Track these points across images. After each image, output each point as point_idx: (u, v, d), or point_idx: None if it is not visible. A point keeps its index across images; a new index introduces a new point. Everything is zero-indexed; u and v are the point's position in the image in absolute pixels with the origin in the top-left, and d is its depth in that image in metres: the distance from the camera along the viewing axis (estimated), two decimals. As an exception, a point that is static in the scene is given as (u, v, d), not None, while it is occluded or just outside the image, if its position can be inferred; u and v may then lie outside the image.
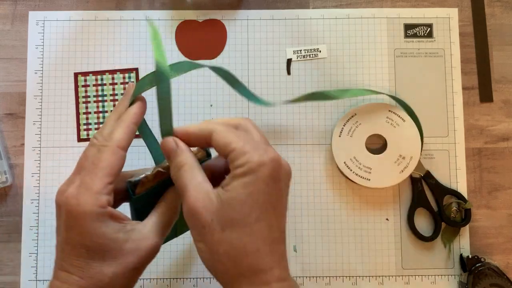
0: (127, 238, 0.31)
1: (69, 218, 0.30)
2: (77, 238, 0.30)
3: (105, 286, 0.30)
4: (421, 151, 0.49)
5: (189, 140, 0.32)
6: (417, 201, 0.50)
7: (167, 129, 0.33)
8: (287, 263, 0.31)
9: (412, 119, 0.49)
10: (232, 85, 0.43)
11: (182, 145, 0.32)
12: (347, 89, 0.51)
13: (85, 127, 0.51)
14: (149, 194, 0.34)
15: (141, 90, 0.35)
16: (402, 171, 0.49)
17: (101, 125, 0.51)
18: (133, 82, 0.34)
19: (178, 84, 0.51)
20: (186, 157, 0.32)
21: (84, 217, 0.30)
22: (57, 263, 0.31)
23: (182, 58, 0.52)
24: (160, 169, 0.34)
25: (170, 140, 0.32)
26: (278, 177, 0.30)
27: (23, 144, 0.51)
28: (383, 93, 0.50)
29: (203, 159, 0.35)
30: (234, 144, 0.30)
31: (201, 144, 0.33)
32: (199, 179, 0.31)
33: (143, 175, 0.34)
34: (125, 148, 0.32)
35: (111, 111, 0.51)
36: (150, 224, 0.32)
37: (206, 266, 0.31)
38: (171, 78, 0.34)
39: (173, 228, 0.35)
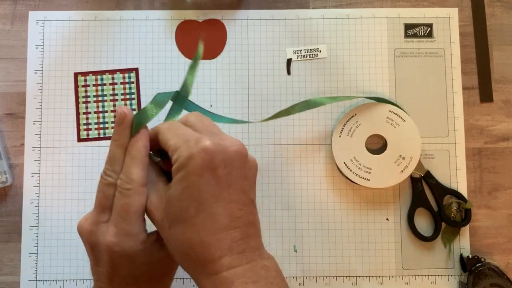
0: (163, 253, 0.32)
1: (114, 259, 0.31)
2: (125, 271, 0.32)
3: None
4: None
5: (150, 138, 0.33)
6: (417, 201, 0.50)
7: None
8: (246, 246, 0.30)
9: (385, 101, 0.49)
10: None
11: (144, 131, 0.33)
12: (335, 97, 0.50)
13: (85, 127, 0.51)
14: None
15: (145, 120, 0.34)
16: (402, 171, 0.49)
17: (101, 125, 0.51)
18: (121, 105, 0.34)
19: (178, 85, 0.51)
20: (139, 151, 0.32)
21: (131, 257, 0.31)
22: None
23: (182, 58, 0.52)
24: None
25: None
26: (212, 166, 0.29)
27: (23, 144, 0.50)
28: (363, 97, 0.50)
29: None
30: (170, 142, 0.31)
31: (154, 146, 0.33)
32: (151, 177, 0.32)
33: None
34: (145, 184, 0.32)
35: (111, 111, 0.51)
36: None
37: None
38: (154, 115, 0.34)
39: None
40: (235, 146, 0.30)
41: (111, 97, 0.51)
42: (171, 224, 0.30)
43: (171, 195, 0.30)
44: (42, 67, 0.51)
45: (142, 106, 0.51)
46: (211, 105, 0.51)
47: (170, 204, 0.30)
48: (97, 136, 0.51)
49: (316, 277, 0.49)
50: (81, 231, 0.33)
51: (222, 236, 0.30)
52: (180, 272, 0.49)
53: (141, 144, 0.32)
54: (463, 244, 0.50)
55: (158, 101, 0.35)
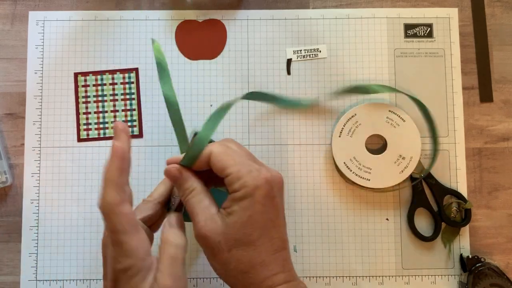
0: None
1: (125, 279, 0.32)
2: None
3: None
4: (437, 147, 0.49)
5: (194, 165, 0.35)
6: (417, 201, 0.50)
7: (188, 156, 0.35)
8: (291, 265, 0.35)
9: (427, 118, 0.49)
10: (269, 101, 0.48)
11: (185, 172, 0.35)
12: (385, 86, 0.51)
13: (85, 127, 0.51)
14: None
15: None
16: (402, 171, 0.49)
17: (101, 125, 0.51)
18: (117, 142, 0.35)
19: (178, 85, 0.51)
20: (191, 184, 0.35)
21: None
22: None
23: (182, 58, 0.52)
24: None
25: (172, 169, 0.35)
26: (272, 195, 0.33)
27: (23, 144, 0.50)
28: (408, 95, 0.50)
29: None
30: (230, 169, 0.33)
31: (202, 167, 0.35)
32: (205, 204, 0.34)
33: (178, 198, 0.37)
34: (161, 203, 0.37)
35: (111, 111, 0.51)
36: (158, 275, 0.33)
37: (221, 279, 0.35)
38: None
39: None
40: (279, 175, 0.35)
41: (111, 97, 0.51)
42: (232, 247, 0.33)
43: (234, 221, 0.33)
44: (42, 67, 0.51)
45: (142, 106, 0.51)
46: (211, 105, 0.51)
47: (233, 229, 0.33)
48: (97, 136, 0.51)
49: (316, 277, 0.49)
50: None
51: (277, 256, 0.34)
52: (180, 272, 0.49)
53: (114, 167, 0.33)
54: (463, 244, 0.50)
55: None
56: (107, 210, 0.32)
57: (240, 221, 0.33)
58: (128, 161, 0.33)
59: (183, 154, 0.36)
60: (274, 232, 0.34)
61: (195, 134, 0.37)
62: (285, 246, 0.35)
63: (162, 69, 0.38)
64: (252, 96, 0.46)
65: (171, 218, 0.36)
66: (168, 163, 0.36)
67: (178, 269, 0.33)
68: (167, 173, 0.35)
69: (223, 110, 0.38)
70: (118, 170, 0.32)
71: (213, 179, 0.37)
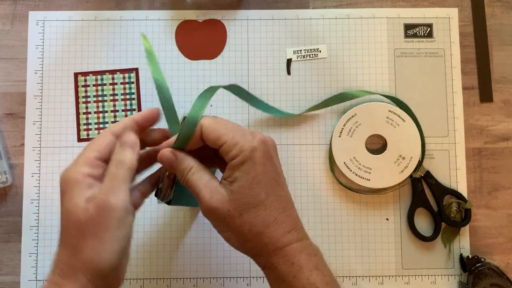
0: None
1: (60, 187, 0.33)
2: (62, 208, 0.33)
3: (75, 254, 0.32)
4: (424, 151, 0.49)
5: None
6: (417, 201, 0.50)
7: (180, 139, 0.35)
8: (302, 224, 0.36)
9: (412, 118, 0.49)
10: (247, 100, 0.48)
11: (179, 154, 0.35)
12: (342, 92, 0.51)
13: (85, 127, 0.51)
14: (176, 192, 0.38)
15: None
16: (402, 171, 0.49)
17: (101, 125, 0.51)
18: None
19: (178, 84, 0.51)
20: (189, 162, 0.35)
21: (67, 182, 0.33)
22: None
23: (182, 58, 0.52)
24: (166, 173, 0.38)
25: (166, 152, 0.35)
26: (270, 155, 0.34)
27: (23, 144, 0.51)
28: (381, 94, 0.50)
29: None
30: (224, 137, 0.33)
31: (198, 143, 0.35)
32: (206, 178, 0.34)
33: (160, 185, 0.38)
34: (117, 133, 0.35)
35: (111, 111, 0.51)
36: (100, 186, 0.33)
37: (236, 248, 0.35)
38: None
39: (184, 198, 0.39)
40: (271, 138, 0.36)
41: (111, 97, 0.51)
42: (243, 211, 0.33)
43: (239, 186, 0.33)
44: (42, 67, 0.51)
45: (142, 106, 0.51)
46: (211, 105, 0.51)
47: (240, 194, 0.33)
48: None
49: (316, 277, 0.49)
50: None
51: (288, 214, 0.35)
52: (180, 272, 0.49)
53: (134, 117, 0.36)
54: (463, 244, 0.50)
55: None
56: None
57: (246, 185, 0.33)
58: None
59: (174, 137, 0.35)
60: (280, 190, 0.35)
61: (185, 118, 0.37)
62: (292, 204, 0.36)
63: (149, 54, 0.38)
64: (234, 89, 0.46)
65: (125, 137, 0.35)
66: (161, 148, 0.35)
67: (117, 184, 0.32)
68: (161, 158, 0.35)
69: (210, 91, 0.38)
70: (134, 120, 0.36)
71: (204, 160, 0.36)
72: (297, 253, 0.34)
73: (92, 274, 0.31)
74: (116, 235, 0.32)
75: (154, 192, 0.38)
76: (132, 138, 0.35)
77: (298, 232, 0.35)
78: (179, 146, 0.35)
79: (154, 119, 0.37)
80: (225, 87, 0.42)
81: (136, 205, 0.36)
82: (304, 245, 0.35)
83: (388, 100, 0.51)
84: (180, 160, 0.35)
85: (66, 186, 0.33)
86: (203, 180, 0.34)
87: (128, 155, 0.34)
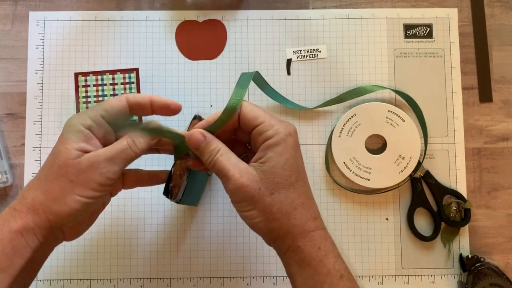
0: (79, 156, 0.34)
1: (62, 131, 0.35)
2: (56, 143, 0.35)
3: (42, 187, 0.34)
4: (425, 150, 0.49)
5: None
6: (417, 201, 0.50)
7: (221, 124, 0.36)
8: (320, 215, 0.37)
9: (417, 115, 0.49)
10: (264, 90, 0.49)
11: (208, 135, 0.36)
12: (358, 87, 0.51)
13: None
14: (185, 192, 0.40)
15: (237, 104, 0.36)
16: (402, 171, 0.49)
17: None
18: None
19: (178, 85, 0.52)
20: (218, 144, 0.35)
21: (67, 126, 0.35)
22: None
23: (182, 58, 0.52)
24: (177, 161, 0.39)
25: (197, 133, 0.35)
26: (298, 145, 0.36)
27: (23, 144, 0.51)
28: (392, 89, 0.50)
29: None
30: (262, 118, 0.35)
31: (234, 123, 0.36)
32: (234, 160, 0.35)
33: (172, 183, 0.39)
34: (130, 102, 0.36)
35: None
36: (100, 150, 0.35)
37: (259, 229, 0.35)
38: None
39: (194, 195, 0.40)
40: None
41: (112, 97, 0.51)
42: (273, 190, 0.34)
43: (272, 165, 0.34)
44: (43, 67, 0.51)
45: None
46: (211, 105, 0.51)
47: (272, 174, 0.34)
48: (97, 136, 0.51)
49: (316, 276, 0.50)
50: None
51: (313, 202, 0.36)
52: (180, 271, 0.49)
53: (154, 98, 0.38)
54: (463, 244, 0.50)
55: (243, 83, 0.37)
56: None
57: (279, 165, 0.34)
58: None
59: (203, 122, 0.36)
60: (306, 179, 0.36)
61: (195, 117, 0.39)
62: (313, 196, 0.37)
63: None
64: (258, 78, 0.46)
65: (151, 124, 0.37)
66: (203, 125, 0.36)
67: (118, 159, 0.35)
68: (190, 137, 0.35)
69: (246, 79, 0.38)
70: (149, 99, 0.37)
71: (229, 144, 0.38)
72: (323, 239, 0.35)
73: (46, 213, 0.33)
74: (87, 193, 0.34)
75: (163, 191, 0.39)
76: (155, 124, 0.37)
77: (322, 221, 0.37)
78: (213, 129, 0.36)
79: (171, 111, 0.38)
80: (253, 75, 0.42)
81: (119, 188, 0.40)
82: (327, 234, 0.36)
83: (389, 99, 0.51)
84: (209, 141, 0.35)
85: (65, 130, 0.35)
86: (231, 161, 0.35)
87: (142, 142, 0.36)
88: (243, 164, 0.35)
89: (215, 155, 0.35)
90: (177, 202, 0.40)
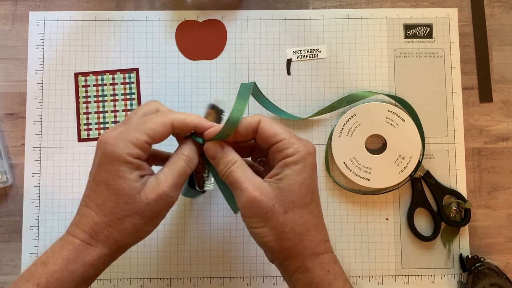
0: (142, 187, 0.34)
1: (102, 156, 0.34)
2: (103, 174, 0.34)
3: (114, 226, 0.34)
4: (423, 151, 0.49)
5: (238, 132, 0.35)
6: (417, 201, 0.50)
7: (227, 133, 0.35)
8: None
9: (413, 119, 0.50)
10: (259, 100, 0.49)
11: (226, 146, 0.36)
12: (349, 95, 0.51)
13: (85, 127, 0.51)
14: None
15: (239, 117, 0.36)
16: (402, 171, 0.49)
17: (101, 125, 0.51)
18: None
19: (178, 85, 0.52)
20: (234, 156, 0.35)
21: (113, 157, 0.33)
22: (82, 200, 0.35)
23: (182, 58, 0.52)
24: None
25: (215, 143, 0.36)
26: (316, 165, 0.36)
27: (23, 144, 0.51)
28: (384, 94, 0.50)
29: (219, 118, 0.39)
30: (282, 135, 0.34)
31: (248, 135, 0.36)
32: (250, 173, 0.35)
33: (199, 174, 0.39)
34: (175, 129, 0.35)
35: (111, 111, 0.51)
36: (161, 175, 0.35)
37: (269, 248, 0.34)
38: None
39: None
40: None
41: (112, 97, 0.51)
42: (288, 209, 0.34)
43: (289, 184, 0.34)
44: (43, 67, 0.51)
45: (143, 106, 0.51)
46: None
47: (288, 192, 0.33)
48: (97, 136, 0.51)
49: (316, 276, 0.50)
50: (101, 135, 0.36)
51: (324, 224, 0.36)
52: (180, 272, 0.49)
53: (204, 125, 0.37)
54: (463, 244, 0.50)
55: (243, 94, 0.37)
56: None
57: (296, 184, 0.34)
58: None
59: (213, 129, 0.35)
60: (319, 200, 0.36)
61: (211, 106, 0.39)
62: (323, 218, 0.37)
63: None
64: (255, 89, 0.46)
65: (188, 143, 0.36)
66: (206, 135, 0.36)
67: (180, 180, 0.35)
68: (207, 149, 0.36)
69: (247, 89, 0.38)
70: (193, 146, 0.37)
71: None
72: (332, 262, 0.35)
73: (121, 247, 0.34)
74: (157, 222, 0.36)
75: (187, 182, 0.39)
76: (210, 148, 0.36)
77: (330, 244, 0.36)
78: (221, 137, 0.35)
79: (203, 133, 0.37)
80: (254, 90, 0.42)
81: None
82: (336, 258, 0.36)
83: (389, 99, 0.51)
84: (227, 152, 0.35)
85: (112, 159, 0.33)
86: (247, 174, 0.34)
87: (195, 155, 0.36)
88: (258, 179, 0.34)
89: (231, 167, 0.35)
90: (204, 191, 0.40)
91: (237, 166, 0.35)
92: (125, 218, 0.33)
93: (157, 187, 0.34)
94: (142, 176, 0.34)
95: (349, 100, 0.51)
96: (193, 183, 0.39)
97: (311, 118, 0.51)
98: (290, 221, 0.33)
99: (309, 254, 0.34)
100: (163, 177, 0.34)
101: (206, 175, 0.39)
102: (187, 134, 0.37)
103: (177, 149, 0.37)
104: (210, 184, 0.40)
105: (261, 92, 0.48)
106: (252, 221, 0.34)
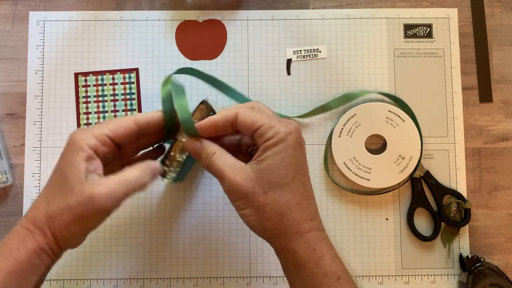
0: (85, 181, 0.33)
1: (65, 146, 0.35)
2: (60, 162, 0.35)
3: (52, 214, 0.33)
4: (421, 151, 0.49)
5: (216, 127, 0.37)
6: (417, 201, 0.50)
7: (191, 129, 0.37)
8: (320, 217, 0.37)
9: (410, 118, 0.50)
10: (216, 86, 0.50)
11: (204, 140, 0.37)
12: (345, 94, 0.51)
13: (85, 127, 0.51)
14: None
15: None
16: (402, 171, 0.49)
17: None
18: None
19: (178, 84, 0.51)
20: (213, 147, 0.36)
21: (70, 145, 0.34)
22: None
23: (182, 58, 0.52)
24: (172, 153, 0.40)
25: (192, 140, 0.37)
26: (301, 144, 0.36)
27: (23, 144, 0.51)
28: (379, 92, 0.50)
29: (208, 115, 0.40)
30: (261, 121, 0.35)
31: (227, 129, 0.37)
32: (230, 160, 0.35)
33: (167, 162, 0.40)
34: (138, 124, 0.37)
35: (111, 111, 0.51)
36: (105, 178, 0.34)
37: (253, 227, 0.35)
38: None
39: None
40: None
41: (112, 97, 0.51)
42: (267, 189, 0.34)
43: (268, 164, 0.34)
44: (43, 67, 0.51)
45: (143, 106, 0.51)
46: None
47: (267, 172, 0.34)
48: (97, 136, 0.51)
49: (316, 276, 0.50)
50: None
51: (311, 202, 0.36)
52: (180, 272, 0.49)
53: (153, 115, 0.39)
54: (463, 244, 0.50)
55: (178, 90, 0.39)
56: None
57: (274, 163, 0.34)
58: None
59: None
60: (305, 179, 0.36)
61: (202, 101, 0.41)
62: (314, 196, 0.37)
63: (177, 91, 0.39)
64: (188, 72, 0.48)
65: (154, 165, 0.37)
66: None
67: (120, 193, 0.33)
68: (188, 144, 0.37)
69: (178, 87, 0.39)
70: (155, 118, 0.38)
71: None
72: (319, 241, 0.35)
73: (56, 237, 0.34)
74: (83, 228, 0.34)
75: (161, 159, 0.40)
76: (157, 169, 0.37)
77: (319, 222, 0.36)
78: (192, 132, 0.37)
79: (162, 129, 0.39)
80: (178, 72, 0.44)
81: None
82: (324, 235, 0.36)
83: (389, 100, 0.51)
84: (205, 146, 0.36)
85: (70, 147, 0.34)
86: (227, 162, 0.35)
87: (147, 179, 0.35)
88: (239, 163, 0.35)
89: (211, 158, 0.36)
90: (164, 177, 0.40)
91: (216, 156, 0.36)
92: (58, 208, 0.33)
93: (94, 188, 0.33)
94: (91, 171, 0.34)
95: (344, 99, 0.50)
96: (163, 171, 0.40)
97: (310, 118, 0.51)
98: (270, 201, 0.34)
99: (292, 233, 0.34)
100: (105, 181, 0.33)
101: (173, 170, 0.40)
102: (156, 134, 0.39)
103: (139, 163, 0.36)
104: (171, 178, 0.41)
105: (196, 70, 0.49)
106: (237, 204, 0.35)
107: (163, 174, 0.40)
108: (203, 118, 0.39)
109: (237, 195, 0.35)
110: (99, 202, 0.32)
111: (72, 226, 0.33)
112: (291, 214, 0.34)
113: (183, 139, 0.39)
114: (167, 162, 0.40)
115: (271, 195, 0.34)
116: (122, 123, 0.36)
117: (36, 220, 0.34)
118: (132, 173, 0.34)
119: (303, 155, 0.36)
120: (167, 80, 0.40)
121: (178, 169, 0.40)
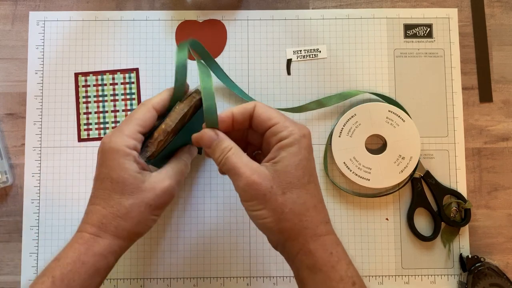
0: (145, 179, 0.37)
1: (102, 155, 0.37)
2: (106, 171, 0.36)
3: (122, 216, 0.36)
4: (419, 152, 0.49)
5: (236, 120, 0.36)
6: (417, 201, 0.50)
7: (213, 120, 0.36)
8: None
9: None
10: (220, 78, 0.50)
11: (221, 133, 0.36)
12: (339, 93, 0.51)
13: (85, 127, 0.51)
14: (159, 158, 0.40)
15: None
16: (402, 171, 0.49)
17: (101, 125, 0.51)
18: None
19: (178, 84, 0.51)
20: (229, 142, 0.36)
21: (112, 152, 0.36)
22: (88, 201, 0.38)
23: (182, 58, 0.52)
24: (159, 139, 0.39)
25: (210, 131, 0.36)
26: (312, 147, 0.36)
27: (23, 144, 0.51)
28: (367, 92, 0.50)
29: (198, 106, 0.40)
30: (276, 119, 0.35)
31: (245, 123, 0.37)
32: (246, 158, 0.35)
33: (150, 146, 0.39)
34: (157, 110, 0.39)
35: (111, 111, 0.51)
36: (164, 172, 0.39)
37: (269, 229, 0.35)
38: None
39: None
40: None
41: (112, 97, 0.51)
42: (286, 189, 0.34)
43: (285, 165, 0.34)
44: (43, 67, 0.51)
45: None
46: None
47: (285, 173, 0.34)
48: (97, 136, 0.51)
49: (316, 276, 0.50)
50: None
51: (324, 205, 0.36)
52: (180, 272, 0.49)
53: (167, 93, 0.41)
54: (463, 244, 0.50)
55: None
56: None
57: (292, 164, 0.34)
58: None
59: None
60: (317, 181, 0.36)
61: (197, 90, 0.40)
62: (323, 200, 0.37)
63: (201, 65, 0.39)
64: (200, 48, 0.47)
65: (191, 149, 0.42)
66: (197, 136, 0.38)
67: (181, 179, 0.40)
68: (202, 137, 0.36)
69: (204, 68, 0.38)
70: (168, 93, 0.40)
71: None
72: (335, 245, 0.35)
73: (131, 235, 0.37)
74: (161, 212, 0.38)
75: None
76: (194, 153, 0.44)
77: (331, 226, 0.36)
78: (213, 124, 0.36)
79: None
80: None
81: None
82: (338, 240, 0.36)
83: (392, 97, 0.51)
84: (221, 139, 0.36)
85: (112, 154, 0.36)
86: (243, 159, 0.35)
87: (189, 165, 0.42)
88: (255, 163, 0.35)
89: (227, 153, 0.35)
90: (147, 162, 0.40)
91: (233, 152, 0.35)
92: (132, 207, 0.36)
93: (164, 181, 0.37)
94: (144, 169, 0.37)
95: (338, 97, 0.50)
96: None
97: (317, 110, 0.51)
98: (289, 202, 0.34)
99: (309, 235, 0.34)
100: (169, 173, 0.38)
101: (153, 152, 0.39)
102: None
103: (177, 154, 0.42)
104: (147, 161, 0.40)
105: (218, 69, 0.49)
106: (251, 204, 0.34)
107: (143, 155, 0.39)
108: (191, 108, 0.39)
109: (253, 195, 0.34)
110: (172, 191, 0.38)
111: (150, 216, 0.37)
112: (309, 216, 0.34)
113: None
114: (149, 144, 0.39)
115: (290, 196, 0.34)
116: (146, 114, 0.38)
117: (105, 224, 0.36)
118: (179, 163, 0.40)
119: (313, 160, 0.36)
120: (183, 46, 0.39)
121: (159, 152, 0.39)
